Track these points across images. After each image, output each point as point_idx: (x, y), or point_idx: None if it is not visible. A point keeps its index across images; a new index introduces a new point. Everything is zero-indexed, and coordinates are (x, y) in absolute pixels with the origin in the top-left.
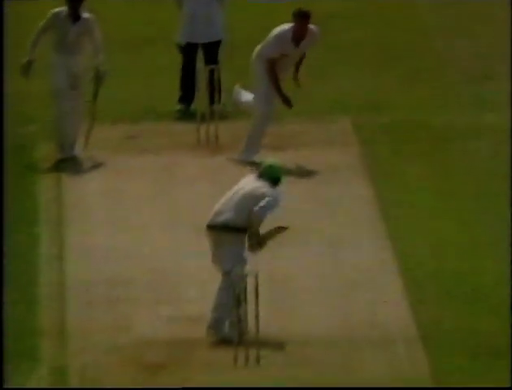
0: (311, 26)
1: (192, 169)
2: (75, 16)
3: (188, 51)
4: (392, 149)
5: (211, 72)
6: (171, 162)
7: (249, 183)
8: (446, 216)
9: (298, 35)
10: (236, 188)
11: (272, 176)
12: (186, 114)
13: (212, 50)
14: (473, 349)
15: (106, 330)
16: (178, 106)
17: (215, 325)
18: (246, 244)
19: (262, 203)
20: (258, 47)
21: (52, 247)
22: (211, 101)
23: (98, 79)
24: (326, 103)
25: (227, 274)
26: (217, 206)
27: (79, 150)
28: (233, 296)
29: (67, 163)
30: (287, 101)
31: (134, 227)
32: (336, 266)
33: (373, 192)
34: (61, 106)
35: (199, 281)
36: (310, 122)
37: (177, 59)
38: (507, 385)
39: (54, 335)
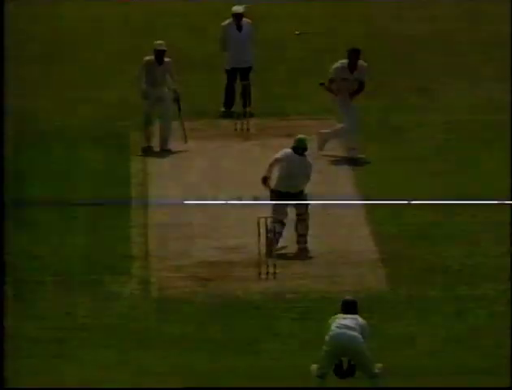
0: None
1: (231, 151)
2: (159, 61)
3: (231, 73)
4: None
5: (244, 87)
6: (220, 145)
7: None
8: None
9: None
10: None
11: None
12: (228, 114)
13: (245, 73)
14: (414, 265)
15: (175, 256)
16: (223, 108)
17: None
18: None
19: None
20: None
21: (138, 201)
22: (244, 105)
23: (176, 98)
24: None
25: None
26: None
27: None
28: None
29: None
30: None
31: (194, 186)
32: (325, 215)
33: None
34: (147, 110)
35: (237, 223)
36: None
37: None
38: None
39: (141, 259)
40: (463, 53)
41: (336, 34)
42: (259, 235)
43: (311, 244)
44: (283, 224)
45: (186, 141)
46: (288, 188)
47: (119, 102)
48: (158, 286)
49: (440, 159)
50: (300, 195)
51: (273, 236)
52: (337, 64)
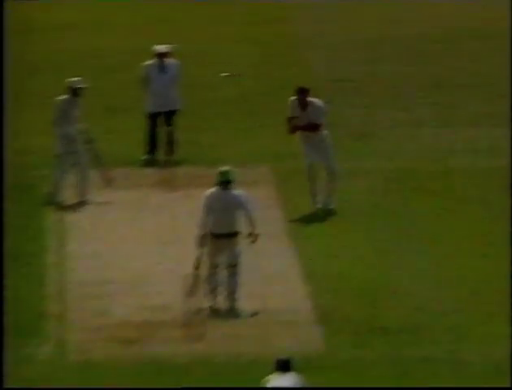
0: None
1: (155, 202)
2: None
3: (153, 117)
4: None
5: (168, 132)
6: (142, 196)
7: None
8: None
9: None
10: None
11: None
12: (151, 162)
13: (169, 117)
14: (357, 329)
15: (95, 315)
16: (145, 156)
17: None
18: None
19: (250, 206)
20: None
21: (55, 255)
22: (168, 152)
23: (88, 141)
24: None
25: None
26: (215, 221)
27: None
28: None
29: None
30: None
31: (115, 241)
32: (258, 267)
33: (284, 217)
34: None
35: (162, 280)
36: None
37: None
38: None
39: (56, 319)
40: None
41: (270, 76)
42: (188, 291)
43: (243, 301)
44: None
45: (106, 190)
46: (221, 228)
47: (30, 149)
48: (77, 348)
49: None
50: (235, 237)
51: (208, 285)
52: (290, 100)
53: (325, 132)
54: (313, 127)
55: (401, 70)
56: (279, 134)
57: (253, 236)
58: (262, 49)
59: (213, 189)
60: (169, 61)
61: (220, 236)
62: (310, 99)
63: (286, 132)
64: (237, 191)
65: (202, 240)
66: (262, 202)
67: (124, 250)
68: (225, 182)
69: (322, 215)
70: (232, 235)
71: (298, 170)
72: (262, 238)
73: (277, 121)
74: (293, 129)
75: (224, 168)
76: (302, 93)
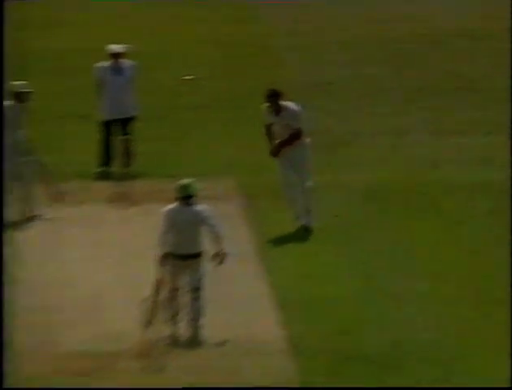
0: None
1: (109, 219)
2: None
3: (108, 125)
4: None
5: (124, 142)
6: (95, 213)
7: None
8: (311, 254)
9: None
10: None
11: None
12: (105, 175)
13: (126, 125)
14: (332, 357)
15: (44, 345)
16: (98, 168)
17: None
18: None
19: (214, 222)
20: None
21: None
22: (124, 164)
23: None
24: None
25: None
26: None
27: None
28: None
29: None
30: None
31: (66, 262)
32: (224, 291)
33: (252, 236)
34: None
35: (118, 305)
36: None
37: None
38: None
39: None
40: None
41: (239, 80)
42: (147, 318)
43: (207, 329)
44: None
45: (56, 205)
46: (183, 248)
47: None
48: (23, 381)
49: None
50: (198, 257)
51: (169, 310)
52: (264, 107)
53: (307, 140)
54: (295, 137)
55: (383, 72)
56: (248, 143)
57: (219, 256)
58: (229, 50)
59: (173, 205)
60: (124, 62)
61: (182, 257)
62: (283, 103)
63: (269, 155)
64: (200, 206)
65: (162, 261)
66: (228, 219)
67: (77, 272)
68: (186, 197)
69: (295, 234)
70: (195, 255)
71: (269, 183)
72: (229, 258)
73: (246, 129)
74: (276, 151)
75: (185, 181)
76: (273, 96)
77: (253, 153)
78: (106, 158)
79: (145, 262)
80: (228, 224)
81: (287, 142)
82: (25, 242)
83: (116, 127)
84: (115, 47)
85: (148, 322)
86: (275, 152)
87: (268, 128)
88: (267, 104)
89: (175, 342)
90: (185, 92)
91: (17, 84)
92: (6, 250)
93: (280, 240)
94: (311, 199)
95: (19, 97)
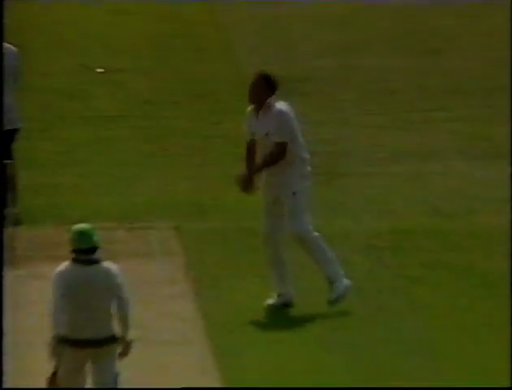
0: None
1: None
2: None
3: None
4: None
5: (5, 170)
6: None
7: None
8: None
9: None
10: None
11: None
12: None
13: (6, 142)
14: None
15: None
16: None
17: None
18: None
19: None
20: None
21: None
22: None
23: None
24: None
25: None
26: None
27: None
28: None
29: None
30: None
31: None
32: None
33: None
34: None
35: None
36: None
37: None
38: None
39: None
40: None
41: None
42: None
43: None
44: None
45: None
46: (83, 330)
47: None
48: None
49: None
50: (108, 345)
51: None
52: (247, 112)
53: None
54: (277, 156)
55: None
56: (195, 173)
57: (123, 345)
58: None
59: (67, 264)
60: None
61: (82, 344)
62: (269, 103)
63: (240, 190)
64: (105, 264)
65: (55, 349)
66: (156, 287)
67: None
68: (85, 250)
69: (254, 307)
70: (102, 341)
71: (216, 230)
72: (142, 348)
73: (189, 150)
74: (245, 187)
75: (82, 226)
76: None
77: (205, 187)
78: None
79: (35, 350)
80: (156, 294)
81: (264, 165)
82: None
83: None
84: None
85: None
86: (245, 184)
87: (250, 148)
88: (252, 107)
89: None
90: (102, 94)
91: None
92: None
93: (239, 325)
94: (323, 258)
95: None
